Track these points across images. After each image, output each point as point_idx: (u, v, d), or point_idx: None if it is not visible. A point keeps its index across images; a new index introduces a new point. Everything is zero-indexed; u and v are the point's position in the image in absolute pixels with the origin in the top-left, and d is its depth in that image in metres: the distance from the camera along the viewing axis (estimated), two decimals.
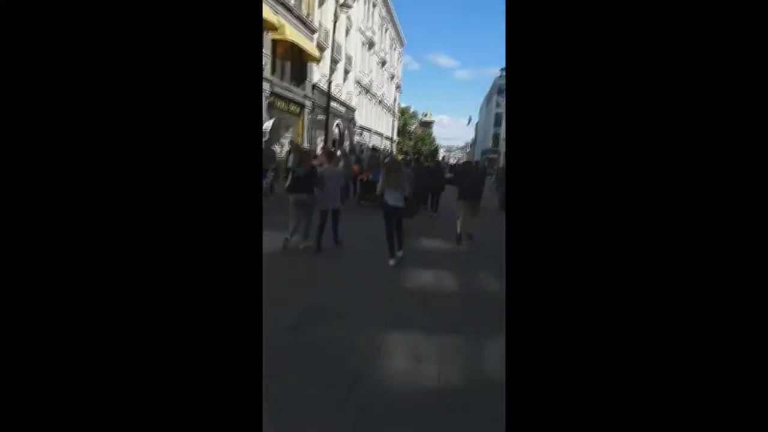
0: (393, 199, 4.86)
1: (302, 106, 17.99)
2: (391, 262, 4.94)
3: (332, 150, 7.96)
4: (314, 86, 19.19)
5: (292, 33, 15.95)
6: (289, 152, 6.50)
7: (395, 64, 41.88)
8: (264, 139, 14.39)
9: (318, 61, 18.77)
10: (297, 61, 18.00)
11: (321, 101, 20.19)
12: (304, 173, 5.15)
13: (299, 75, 18.03)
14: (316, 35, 19.03)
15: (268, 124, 14.69)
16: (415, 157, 15.32)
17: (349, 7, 15.30)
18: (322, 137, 22.09)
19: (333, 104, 22.52)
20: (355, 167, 11.56)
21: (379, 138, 36.11)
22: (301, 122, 18.00)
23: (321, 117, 18.95)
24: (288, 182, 5.31)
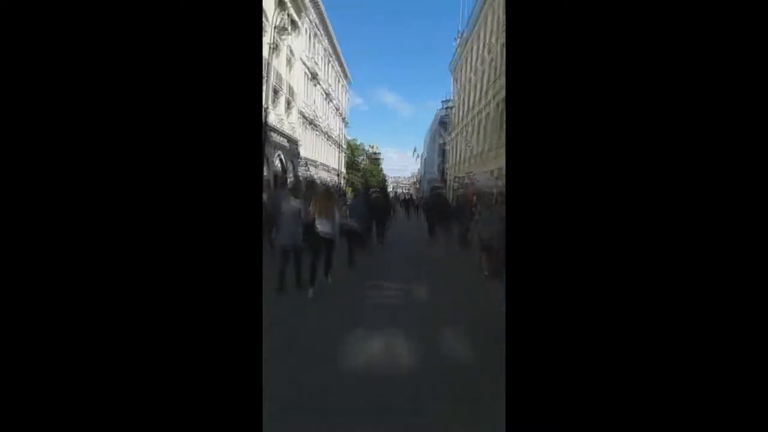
0: (324, 226, 4.83)
1: None
2: (310, 292, 4.73)
3: (297, 186, 7.50)
4: None
5: None
6: None
7: (340, 98, 41.61)
8: None
9: None
10: None
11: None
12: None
13: None
14: None
15: None
16: (363, 189, 14.98)
17: (286, 31, 14.36)
18: (265, 172, 20.68)
19: (274, 136, 21.28)
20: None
21: (326, 171, 35.06)
22: None
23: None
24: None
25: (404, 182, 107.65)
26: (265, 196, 6.61)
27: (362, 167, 62.75)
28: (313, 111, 30.06)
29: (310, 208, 4.91)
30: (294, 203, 4.81)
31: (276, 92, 22.23)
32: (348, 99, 46.29)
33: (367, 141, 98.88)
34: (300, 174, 26.43)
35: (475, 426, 2.09)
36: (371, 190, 12.38)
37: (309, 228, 4.82)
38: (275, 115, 22.21)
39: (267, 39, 18.14)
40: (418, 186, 72.29)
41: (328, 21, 31.12)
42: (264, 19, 18.48)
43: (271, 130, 20.62)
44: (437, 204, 12.74)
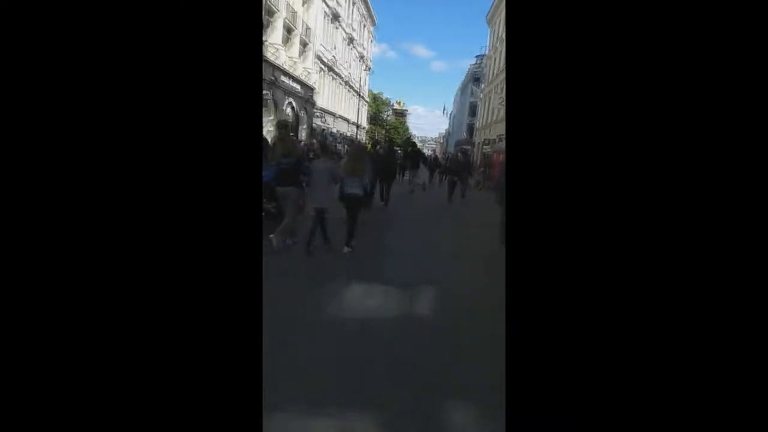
0: (351, 186, 4.66)
1: None
2: (346, 249, 4.71)
3: (326, 141, 7.33)
4: None
5: None
6: (275, 140, 5.30)
7: (365, 44, 38.65)
8: None
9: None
10: None
11: (266, 74, 16.93)
12: (292, 164, 4.53)
13: None
14: None
15: None
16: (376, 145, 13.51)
17: None
18: (269, 117, 18.94)
19: (285, 80, 19.29)
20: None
21: (345, 123, 32.98)
22: None
23: (265, 93, 15.75)
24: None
25: (431, 142, 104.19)
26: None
27: (387, 123, 60.12)
28: (333, 56, 27.63)
29: (341, 163, 4.78)
30: (325, 163, 4.67)
31: (289, 31, 20.00)
32: (374, 45, 43.20)
33: (394, 95, 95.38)
34: (315, 125, 24.54)
35: (475, 418, 2.06)
36: (377, 146, 11.10)
37: (339, 188, 4.72)
38: (288, 57, 20.11)
39: None
40: (444, 146, 69.41)
41: None
42: None
43: (282, 74, 18.64)
44: (459, 166, 11.47)
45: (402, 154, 16.56)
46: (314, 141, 18.93)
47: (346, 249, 4.72)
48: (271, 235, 4.40)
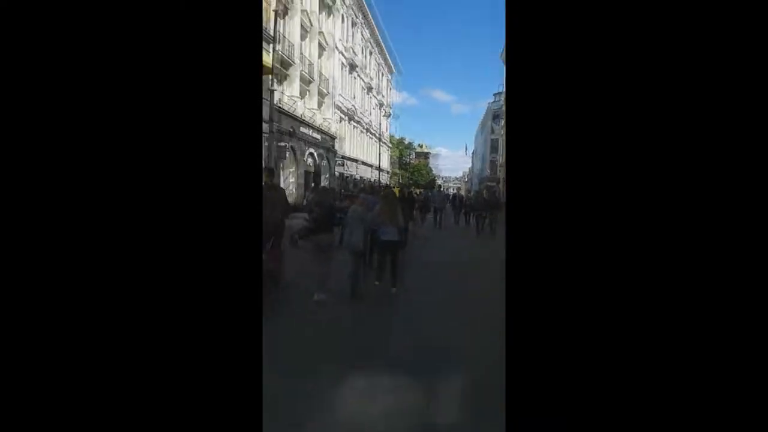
0: (387, 234, 4.70)
1: None
2: (393, 290, 4.73)
3: (355, 193, 7.34)
4: (273, 105, 15.77)
5: None
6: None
7: (384, 91, 39.27)
8: None
9: (272, 73, 15.43)
10: None
11: (284, 125, 16.82)
12: (324, 212, 4.58)
13: None
14: (274, 47, 15.81)
15: None
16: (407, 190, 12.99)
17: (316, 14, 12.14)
18: (290, 169, 18.71)
19: (305, 130, 19.21)
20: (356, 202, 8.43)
21: (368, 168, 32.83)
22: None
23: (282, 144, 15.53)
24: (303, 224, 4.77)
25: (455, 182, 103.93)
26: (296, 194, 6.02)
27: (410, 166, 60.26)
28: (353, 105, 27.87)
29: (376, 212, 4.81)
30: (357, 208, 4.68)
31: (307, 83, 20.19)
32: (392, 92, 43.92)
33: (417, 139, 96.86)
34: (337, 172, 24.31)
35: (475, 417, 2.05)
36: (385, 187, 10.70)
37: (374, 234, 4.79)
38: (306, 108, 20.19)
39: (297, 27, 16.06)
40: (468, 184, 68.79)
41: (367, 7, 28.87)
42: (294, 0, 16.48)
43: (301, 124, 18.57)
44: (485, 203, 12.11)
45: (423, 196, 15.79)
46: (342, 190, 18.59)
47: (393, 290, 4.78)
48: (317, 296, 4.32)
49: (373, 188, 6.79)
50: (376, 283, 4.86)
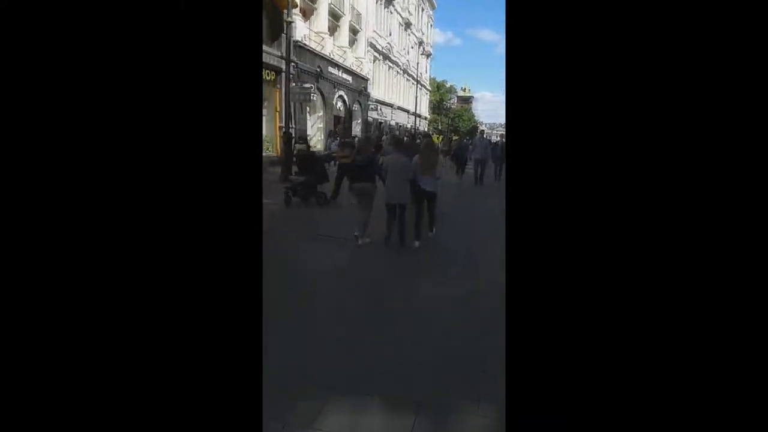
0: (426, 183, 4.78)
1: (278, 71, 13.45)
2: (417, 243, 4.83)
3: (400, 137, 7.25)
4: (296, 44, 14.53)
5: None
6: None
7: (424, 29, 36.37)
8: None
9: (297, 7, 14.02)
10: (267, 8, 13.44)
11: (309, 64, 15.59)
12: (364, 161, 4.74)
13: (270, 29, 13.47)
14: None
15: None
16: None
17: None
18: (318, 114, 17.68)
19: (333, 71, 17.91)
20: (339, 151, 7.85)
21: (404, 114, 31.16)
22: (278, 93, 13.54)
23: (308, 85, 14.43)
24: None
25: (500, 128, 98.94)
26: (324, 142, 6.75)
27: (451, 111, 57.32)
28: (388, 43, 25.85)
29: (415, 162, 4.83)
30: (400, 158, 4.71)
31: (336, 18, 18.55)
32: (433, 30, 40.66)
33: (459, 82, 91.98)
34: (370, 118, 23.02)
35: (474, 416, 2.05)
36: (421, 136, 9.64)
37: (413, 183, 4.81)
38: (336, 46, 18.71)
39: None
40: None
41: None
42: None
43: (329, 64, 17.26)
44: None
45: (460, 144, 14.32)
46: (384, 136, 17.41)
47: (431, 233, 5.17)
48: (356, 233, 4.76)
49: (397, 140, 6.17)
50: (416, 243, 4.87)
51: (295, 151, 8.19)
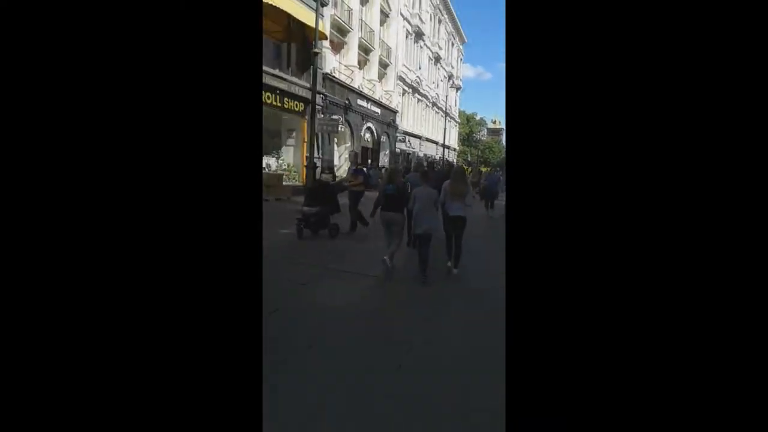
0: (455, 209, 4.72)
1: (307, 102, 13.59)
2: (455, 271, 4.78)
3: (425, 168, 7.15)
4: (326, 77, 14.74)
5: (287, 2, 11.73)
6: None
7: (454, 63, 36.79)
8: None
9: (326, 39, 14.26)
10: (298, 41, 13.74)
11: (338, 96, 15.75)
12: (394, 190, 4.63)
13: (302, 61, 13.72)
14: (329, 11, 14.65)
15: None
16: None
17: None
18: (346, 144, 17.74)
19: (362, 103, 18.07)
20: (352, 178, 7.47)
21: (433, 146, 31.10)
22: (305, 123, 13.64)
23: (335, 117, 14.51)
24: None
25: None
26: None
27: (481, 143, 57.13)
28: (417, 76, 26.13)
29: (444, 188, 4.80)
30: (429, 190, 4.65)
31: (366, 51, 18.90)
32: (462, 64, 41.10)
33: (489, 115, 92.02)
34: (397, 149, 22.99)
35: (475, 416, 2.01)
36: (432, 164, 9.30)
37: (442, 209, 4.79)
38: (365, 79, 18.97)
39: None
40: None
41: None
42: None
43: (358, 96, 17.43)
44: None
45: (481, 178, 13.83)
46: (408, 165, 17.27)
47: (455, 270, 4.82)
48: (385, 258, 4.51)
49: (424, 172, 5.84)
50: (448, 263, 4.81)
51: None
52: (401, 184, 4.76)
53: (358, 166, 8.14)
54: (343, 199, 7.00)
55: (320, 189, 6.68)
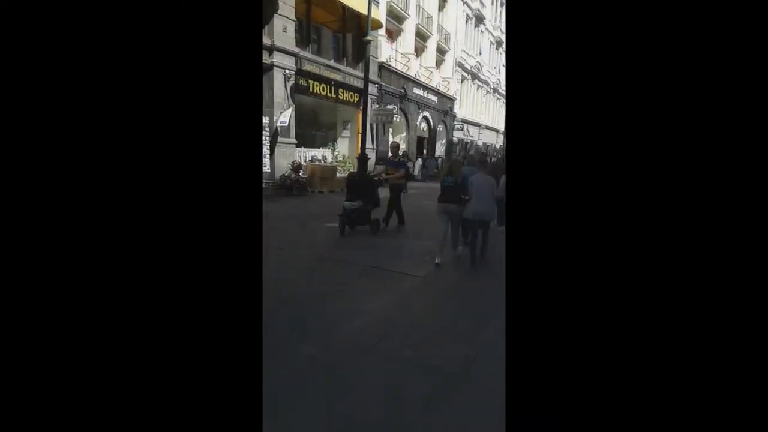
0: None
1: (361, 92, 13.50)
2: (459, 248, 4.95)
3: (485, 158, 6.82)
4: (381, 65, 14.52)
5: None
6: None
7: None
8: (279, 126, 10.35)
9: (381, 27, 13.98)
10: (353, 30, 13.62)
11: (393, 85, 15.49)
12: (452, 182, 4.65)
13: (357, 51, 13.60)
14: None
15: (286, 115, 10.60)
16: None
17: None
18: (402, 135, 17.48)
19: (418, 91, 17.68)
20: (392, 171, 7.04)
21: (493, 134, 29.96)
22: (359, 114, 13.58)
23: (390, 106, 14.29)
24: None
25: None
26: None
27: None
28: (477, 62, 25.14)
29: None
30: (486, 177, 4.67)
31: (423, 38, 18.41)
32: None
33: None
34: (455, 137, 22.35)
35: (474, 417, 1.97)
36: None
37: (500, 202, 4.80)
38: (422, 66, 18.52)
39: None
40: None
41: None
42: None
43: (414, 85, 17.08)
44: None
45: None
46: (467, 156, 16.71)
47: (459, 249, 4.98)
48: (438, 259, 4.58)
49: (482, 160, 5.69)
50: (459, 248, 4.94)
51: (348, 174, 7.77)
52: (460, 176, 4.69)
53: (401, 158, 7.79)
54: (386, 193, 6.75)
55: (361, 182, 6.34)
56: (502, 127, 29.57)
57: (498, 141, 30.04)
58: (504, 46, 30.18)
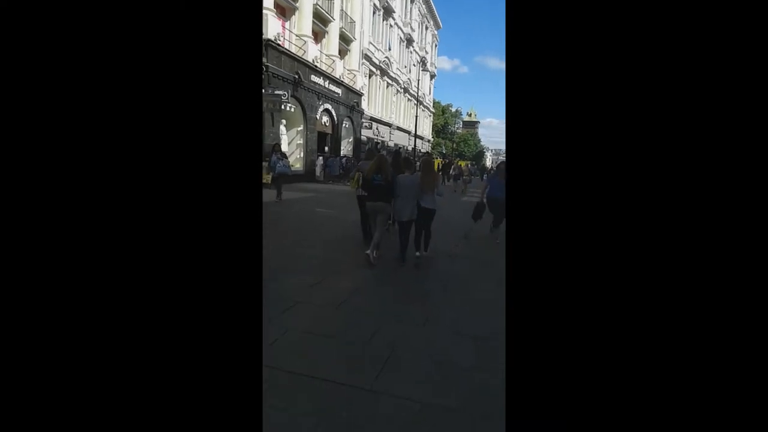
0: (427, 201, 4.79)
1: None
2: (417, 254, 4.86)
3: (409, 158, 6.72)
4: (268, 43, 12.17)
5: None
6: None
7: (428, 48, 34.53)
8: None
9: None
10: None
11: (285, 69, 13.20)
12: (382, 181, 4.62)
13: None
14: None
15: None
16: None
17: None
18: (298, 128, 15.24)
19: (318, 80, 15.57)
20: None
21: (405, 135, 28.84)
22: None
23: (279, 92, 12.00)
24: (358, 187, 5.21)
25: (504, 155, 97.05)
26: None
27: (456, 135, 55.33)
28: (387, 57, 23.73)
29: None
30: (412, 178, 4.74)
31: (323, 21, 16.37)
32: (436, 48, 38.82)
33: (465, 107, 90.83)
34: (363, 136, 20.59)
35: (474, 420, 1.97)
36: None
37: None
38: (322, 53, 16.46)
39: None
40: None
41: None
42: None
43: (312, 72, 14.93)
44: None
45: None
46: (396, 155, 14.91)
47: (424, 252, 4.95)
48: (368, 252, 4.59)
49: (408, 161, 5.33)
50: (417, 253, 4.83)
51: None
52: (389, 174, 4.65)
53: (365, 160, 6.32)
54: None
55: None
56: (412, 128, 28.58)
57: (409, 142, 29.01)
58: (414, 45, 29.29)
